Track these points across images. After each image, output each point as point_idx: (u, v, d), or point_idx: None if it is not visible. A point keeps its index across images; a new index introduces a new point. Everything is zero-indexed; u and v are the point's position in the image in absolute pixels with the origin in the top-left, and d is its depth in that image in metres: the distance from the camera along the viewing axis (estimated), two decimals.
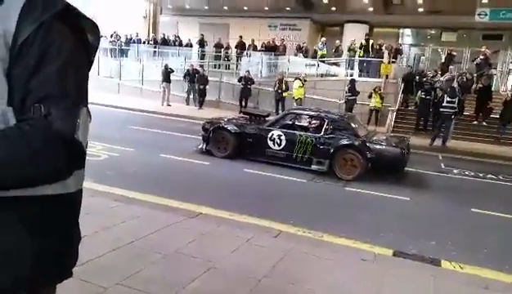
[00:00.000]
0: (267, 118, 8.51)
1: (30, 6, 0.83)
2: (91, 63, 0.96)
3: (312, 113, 8.53)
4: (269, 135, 7.73)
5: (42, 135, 0.78)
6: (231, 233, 3.89)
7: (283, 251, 3.55)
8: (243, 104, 15.83)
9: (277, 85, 15.08)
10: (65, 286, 2.67)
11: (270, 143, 7.73)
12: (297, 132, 7.77)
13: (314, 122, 8.24)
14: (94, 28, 0.95)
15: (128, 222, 3.92)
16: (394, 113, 14.05)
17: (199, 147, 8.34)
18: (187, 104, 17.02)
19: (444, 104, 11.47)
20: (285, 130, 7.83)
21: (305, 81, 14.94)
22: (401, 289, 3.10)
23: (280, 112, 13.34)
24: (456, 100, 11.42)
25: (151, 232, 3.70)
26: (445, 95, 11.67)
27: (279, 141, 7.68)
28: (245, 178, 6.84)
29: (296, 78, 14.97)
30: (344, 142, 7.28)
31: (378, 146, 7.34)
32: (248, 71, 16.43)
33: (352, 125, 7.84)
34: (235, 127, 8.05)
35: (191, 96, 17.02)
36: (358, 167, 7.10)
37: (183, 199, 4.92)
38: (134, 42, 22.23)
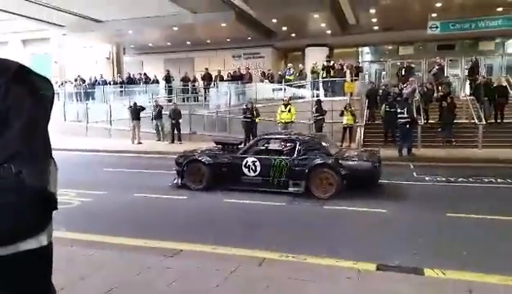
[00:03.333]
0: (239, 146, 8.55)
1: None
2: (49, 116, 0.98)
3: (284, 137, 8.62)
4: (243, 163, 7.75)
5: (17, 192, 0.80)
6: (214, 266, 3.82)
7: (268, 279, 3.51)
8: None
9: (247, 112, 14.92)
10: None
11: (245, 170, 7.74)
12: (271, 157, 7.82)
13: (286, 145, 8.33)
14: (46, 82, 0.98)
15: (107, 268, 3.79)
16: (362, 129, 14.42)
17: (175, 182, 8.25)
18: (159, 140, 16.89)
19: (399, 115, 12.08)
20: (258, 156, 7.88)
21: (289, 104, 14.66)
22: None
23: (251, 138, 13.34)
24: (405, 110, 12.01)
25: (132, 276, 3.59)
26: (397, 108, 12.34)
27: (254, 167, 7.70)
28: (225, 208, 6.79)
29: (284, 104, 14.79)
30: (318, 161, 7.38)
31: (350, 162, 7.48)
32: (249, 100, 15.89)
33: (324, 144, 7.99)
34: (209, 158, 8.04)
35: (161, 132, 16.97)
36: (334, 184, 7.18)
37: (162, 238, 4.81)
38: (99, 83, 22.09)
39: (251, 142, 8.59)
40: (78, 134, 18.57)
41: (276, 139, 8.75)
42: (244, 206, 6.85)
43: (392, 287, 3.41)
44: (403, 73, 18.32)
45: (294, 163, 7.49)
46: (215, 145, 9.00)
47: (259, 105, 16.51)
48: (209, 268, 3.80)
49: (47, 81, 0.98)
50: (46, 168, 0.88)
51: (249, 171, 7.73)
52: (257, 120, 14.87)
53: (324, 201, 6.99)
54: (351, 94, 16.38)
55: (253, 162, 7.71)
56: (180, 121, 16.57)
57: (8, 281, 0.85)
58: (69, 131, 19.08)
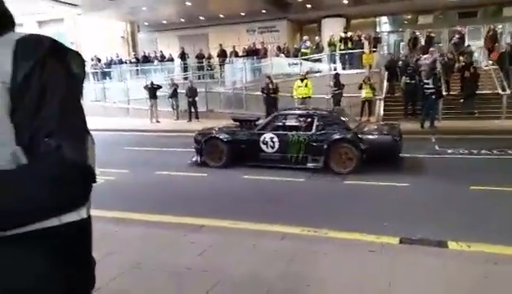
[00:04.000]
0: (257, 123, 8.52)
1: (21, 48, 0.87)
2: (81, 92, 1.00)
3: (301, 112, 8.53)
4: (261, 139, 7.74)
5: (59, 166, 0.82)
6: (236, 241, 3.87)
7: (290, 253, 3.54)
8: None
9: (268, 87, 14.66)
10: None
11: (263, 146, 7.73)
12: (289, 133, 7.78)
13: (304, 120, 8.26)
14: (79, 59, 0.99)
15: (133, 244, 3.89)
16: (382, 102, 14.15)
17: (194, 159, 8.31)
18: (177, 119, 16.99)
19: (425, 86, 11.79)
20: (276, 132, 7.85)
21: (305, 78, 14.44)
22: (411, 276, 3.11)
23: None
24: (431, 80, 11.67)
25: (157, 251, 3.68)
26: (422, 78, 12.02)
27: (272, 144, 7.68)
28: (244, 185, 6.83)
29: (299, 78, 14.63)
30: (337, 136, 7.31)
31: (370, 136, 7.39)
32: (268, 76, 15.47)
33: (342, 118, 7.89)
34: (227, 135, 8.05)
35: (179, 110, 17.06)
36: (353, 159, 7.12)
37: (184, 214, 4.89)
38: (115, 63, 22.17)
39: (269, 118, 8.53)
40: (96, 114, 18.77)
41: (294, 114, 8.67)
42: (265, 182, 6.87)
43: (416, 259, 3.40)
44: (422, 43, 17.73)
45: (313, 139, 7.44)
46: (233, 122, 8.99)
47: (276, 80, 16.38)
48: (232, 242, 3.86)
49: (79, 55, 0.99)
50: (84, 142, 0.90)
51: (267, 147, 7.72)
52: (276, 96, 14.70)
53: (344, 176, 6.96)
54: (370, 66, 16.02)
55: (271, 139, 7.69)
56: (196, 99, 16.56)
57: (52, 252, 0.89)
58: (87, 111, 19.16)
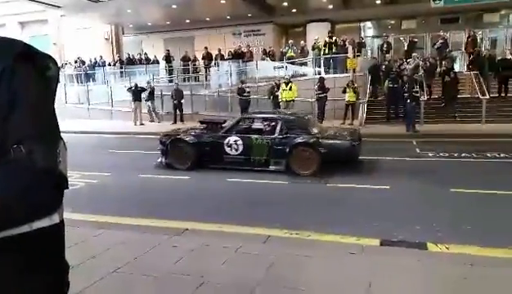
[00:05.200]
0: (223, 125, 8.50)
1: None
2: (54, 95, 0.99)
3: (265, 116, 8.63)
4: (225, 142, 7.82)
5: (29, 173, 0.81)
6: (219, 245, 3.87)
7: (273, 255, 3.56)
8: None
9: (276, 89, 14.83)
10: None
11: (227, 149, 7.81)
12: (252, 136, 7.87)
13: (268, 124, 8.28)
14: (51, 61, 0.97)
15: (114, 248, 3.85)
16: (365, 105, 14.33)
17: (159, 161, 8.29)
18: (151, 121, 16.95)
19: (404, 93, 12.20)
20: (240, 135, 7.91)
21: (290, 82, 14.56)
22: (390, 277, 3.16)
23: None
24: (407, 85, 12.05)
25: (139, 255, 3.65)
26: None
27: (236, 146, 7.76)
28: (228, 187, 6.84)
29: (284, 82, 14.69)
30: (298, 140, 7.47)
31: (330, 141, 7.56)
32: (242, 80, 16.23)
33: (306, 124, 8.08)
34: (193, 137, 8.07)
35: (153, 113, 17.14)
36: (314, 162, 7.29)
37: (167, 217, 4.86)
38: (99, 65, 21.92)
39: (233, 121, 8.52)
40: (79, 116, 18.54)
41: (259, 118, 8.68)
42: (248, 185, 6.89)
43: (396, 261, 3.46)
44: (406, 48, 18.02)
45: (276, 142, 7.58)
46: (200, 124, 8.97)
47: (261, 84, 16.45)
48: (215, 246, 3.85)
49: (51, 59, 0.97)
50: (56, 148, 0.89)
51: (231, 150, 7.79)
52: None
53: (327, 179, 7.02)
54: (354, 70, 16.21)
55: (235, 141, 7.77)
56: (182, 101, 16.51)
57: (22, 259, 0.88)
58: (70, 114, 19.06)
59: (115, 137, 13.92)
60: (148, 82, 17.49)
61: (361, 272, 3.24)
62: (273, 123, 8.05)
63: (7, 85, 0.84)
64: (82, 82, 21.18)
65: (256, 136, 7.82)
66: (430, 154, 9.05)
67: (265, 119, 8.49)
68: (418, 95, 12.41)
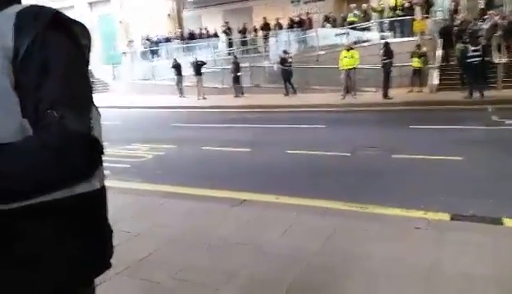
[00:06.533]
0: None
1: (21, 21, 0.86)
2: (88, 63, 0.99)
3: None
4: None
5: (61, 137, 0.81)
6: (277, 216, 3.88)
7: (332, 228, 3.49)
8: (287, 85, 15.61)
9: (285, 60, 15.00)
10: (123, 284, 2.79)
11: None
12: None
13: None
14: (84, 30, 0.97)
15: (178, 217, 4.02)
16: (436, 71, 13.35)
17: None
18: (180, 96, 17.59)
19: (469, 53, 11.17)
20: None
21: (351, 48, 13.90)
22: (460, 255, 2.95)
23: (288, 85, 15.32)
24: (480, 47, 10.93)
25: (199, 224, 3.78)
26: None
27: None
28: (287, 159, 6.79)
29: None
30: None
31: None
32: (284, 51, 16.22)
33: None
34: None
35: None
36: None
37: (228, 188, 4.96)
38: (162, 41, 22.59)
39: None
40: (145, 92, 19.40)
41: None
42: (308, 156, 6.79)
43: (466, 237, 3.22)
44: (483, 5, 16.29)
45: None
46: None
47: (321, 52, 15.93)
48: (273, 216, 3.87)
49: (83, 27, 0.98)
50: (88, 113, 0.89)
51: None
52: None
53: (391, 150, 6.71)
54: (421, 33, 15.08)
55: None
56: (238, 74, 16.56)
57: (63, 224, 0.91)
58: (137, 89, 20.03)
59: (180, 112, 14.39)
60: (174, 60, 18.22)
61: (427, 248, 3.06)
62: None
63: (39, 52, 0.85)
64: (147, 59, 22.03)
65: None
66: (507, 122, 8.25)
67: None
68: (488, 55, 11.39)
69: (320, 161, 6.54)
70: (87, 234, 0.96)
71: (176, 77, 17.93)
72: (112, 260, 1.05)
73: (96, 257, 1.00)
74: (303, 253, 3.08)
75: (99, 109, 0.99)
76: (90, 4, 25.70)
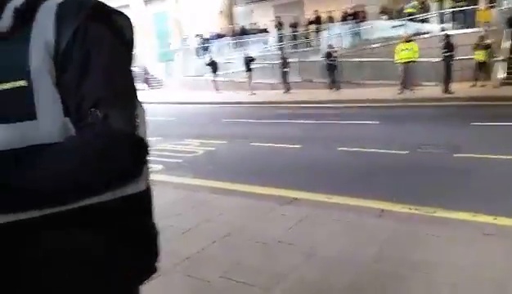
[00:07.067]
0: None
1: (63, 12, 0.82)
2: (131, 57, 0.92)
3: None
4: None
5: (106, 137, 0.77)
6: (329, 216, 3.71)
7: (388, 232, 3.27)
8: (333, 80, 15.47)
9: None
10: (172, 282, 2.76)
11: None
12: None
13: None
14: (128, 22, 0.92)
15: (227, 213, 3.97)
16: (502, 64, 12.35)
17: None
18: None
19: None
20: None
21: (410, 40, 13.26)
22: None
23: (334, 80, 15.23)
24: None
25: (249, 221, 3.70)
26: None
27: None
28: (339, 157, 6.55)
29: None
30: None
31: None
32: (330, 45, 15.99)
33: None
34: None
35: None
36: None
37: (278, 185, 4.85)
38: (214, 38, 22.92)
39: None
40: (197, 88, 19.76)
41: None
42: (362, 155, 6.50)
43: None
44: None
45: None
46: None
47: (375, 45, 15.34)
48: (324, 217, 3.71)
49: (128, 20, 0.92)
50: (132, 111, 0.84)
51: None
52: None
53: (453, 148, 6.25)
54: (486, 24, 14.02)
55: None
56: (285, 70, 16.36)
57: (110, 226, 0.87)
58: (189, 85, 20.47)
59: (232, 107, 14.49)
60: (210, 57, 18.52)
61: (497, 257, 2.77)
62: None
63: (80, 45, 0.80)
64: (199, 55, 22.46)
65: None
66: None
67: None
68: None
69: (374, 159, 6.22)
70: (136, 239, 0.91)
71: (211, 74, 18.60)
72: (160, 257, 1.00)
73: (143, 264, 0.95)
74: (357, 257, 2.90)
75: (143, 106, 0.93)
76: (145, 1, 26.61)
